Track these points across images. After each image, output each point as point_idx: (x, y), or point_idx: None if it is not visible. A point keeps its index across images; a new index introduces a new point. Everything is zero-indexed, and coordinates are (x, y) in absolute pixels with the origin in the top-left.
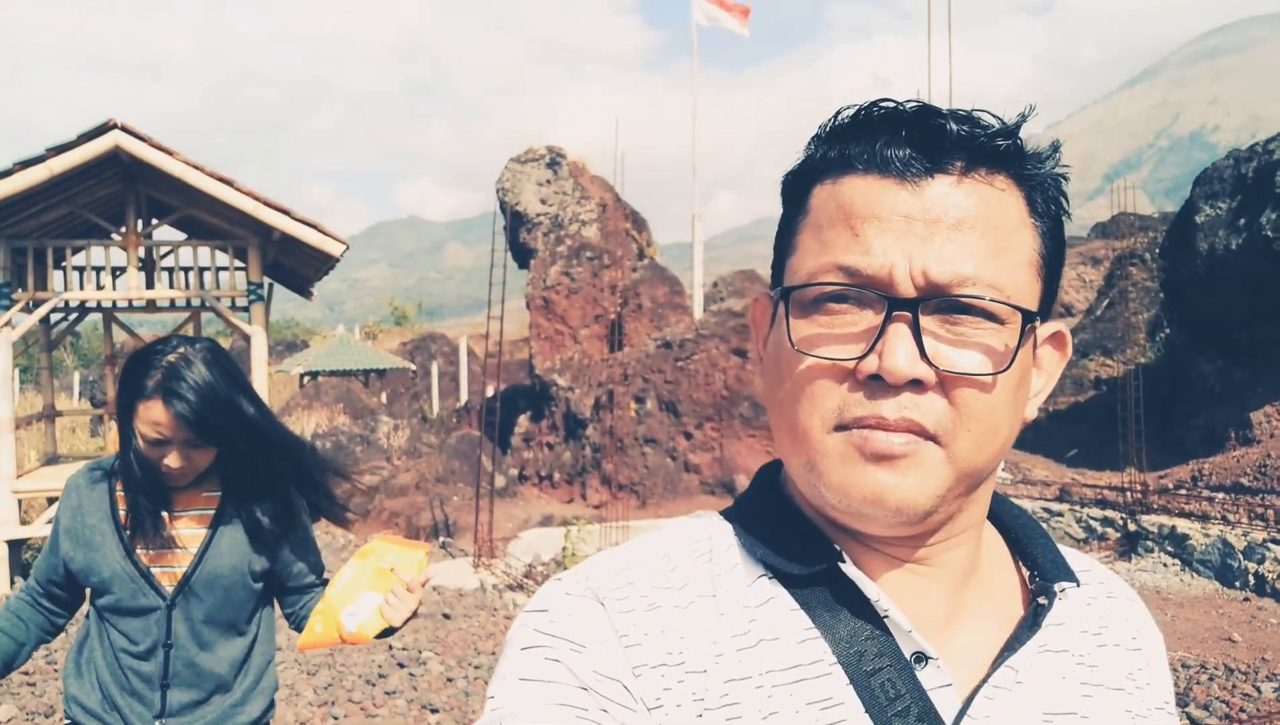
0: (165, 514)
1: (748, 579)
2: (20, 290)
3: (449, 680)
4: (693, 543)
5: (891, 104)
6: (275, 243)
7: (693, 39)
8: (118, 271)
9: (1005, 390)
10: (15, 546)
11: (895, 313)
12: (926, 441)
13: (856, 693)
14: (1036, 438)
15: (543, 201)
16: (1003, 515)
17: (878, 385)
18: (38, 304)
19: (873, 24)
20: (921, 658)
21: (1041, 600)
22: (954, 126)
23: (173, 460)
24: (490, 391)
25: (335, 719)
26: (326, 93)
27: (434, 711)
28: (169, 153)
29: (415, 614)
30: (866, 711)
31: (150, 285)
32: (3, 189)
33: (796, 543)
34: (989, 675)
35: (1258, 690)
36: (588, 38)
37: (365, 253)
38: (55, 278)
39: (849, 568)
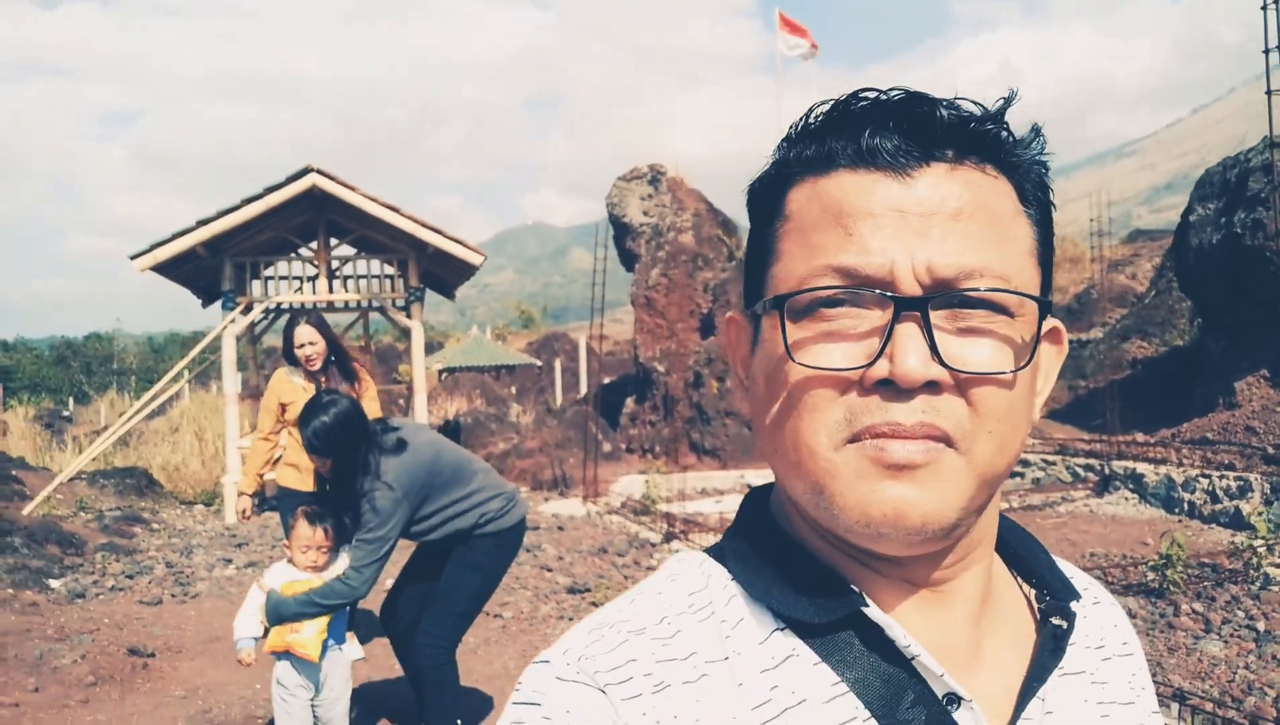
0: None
1: (760, 633)
2: (240, 296)
3: (560, 558)
4: (688, 597)
5: (873, 94)
6: (429, 256)
7: (777, 62)
8: (309, 279)
9: (1023, 387)
10: None
11: (903, 312)
12: (947, 448)
13: None
14: (1069, 411)
15: (645, 214)
16: (1000, 531)
17: (889, 391)
18: (250, 307)
19: (998, 16)
20: (954, 698)
21: (1057, 622)
22: (944, 113)
23: (317, 464)
24: (605, 380)
25: None
26: (451, 109)
27: (549, 570)
28: (351, 188)
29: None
30: None
31: (331, 290)
32: (235, 219)
33: (808, 584)
34: (1019, 708)
35: (1133, 565)
36: (704, 43)
37: (493, 259)
38: (259, 286)
39: (874, 611)
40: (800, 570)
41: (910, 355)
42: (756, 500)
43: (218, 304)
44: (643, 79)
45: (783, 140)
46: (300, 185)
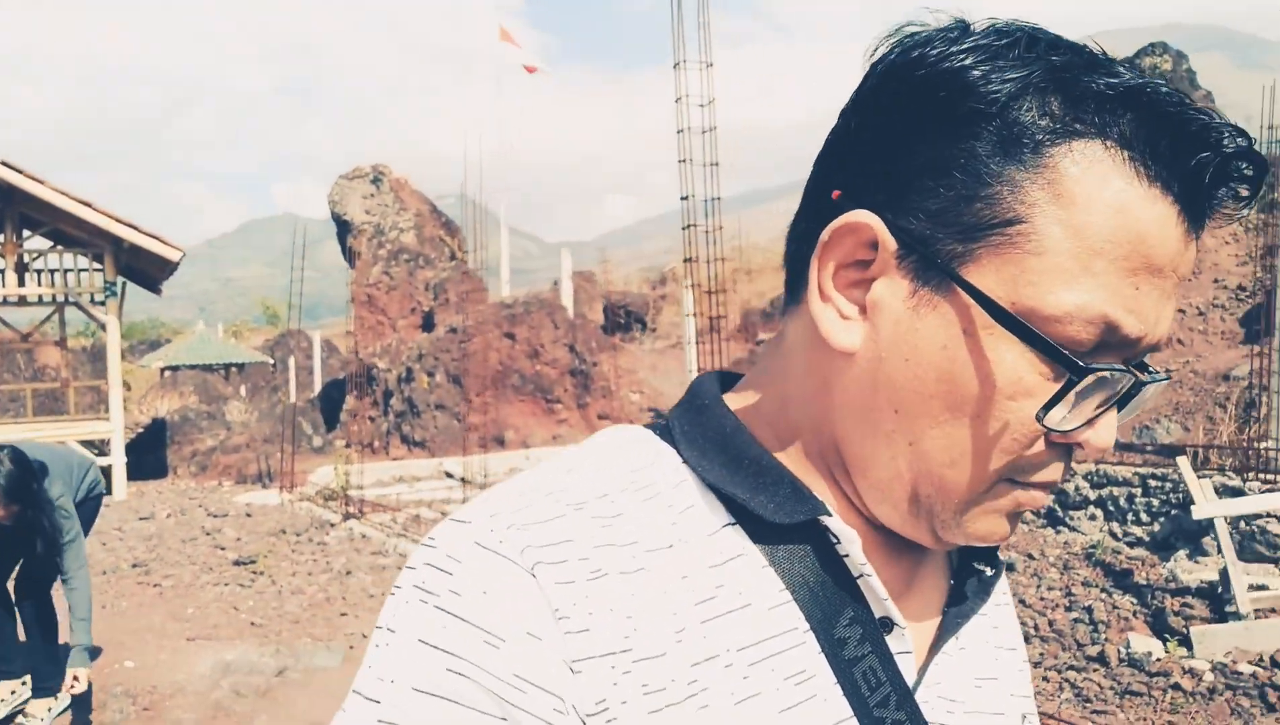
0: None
1: (709, 526)
2: None
3: (237, 539)
4: (630, 473)
5: (1234, 133)
6: (126, 250)
7: (498, 70)
8: None
9: None
10: None
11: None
12: None
13: (829, 662)
14: None
15: (367, 212)
16: None
17: (1062, 447)
18: None
19: (750, 35)
20: (887, 623)
21: (981, 567)
22: (1251, 181)
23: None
24: (341, 376)
25: (161, 556)
26: (202, 92)
27: (222, 549)
28: (40, 181)
29: None
30: (838, 683)
31: (22, 283)
32: None
33: (768, 483)
34: (938, 640)
35: None
36: (473, 40)
37: (239, 251)
38: None
39: (835, 522)
40: (760, 469)
41: (1114, 432)
42: (709, 387)
43: None
44: (410, 71)
45: (1079, 71)
46: None
